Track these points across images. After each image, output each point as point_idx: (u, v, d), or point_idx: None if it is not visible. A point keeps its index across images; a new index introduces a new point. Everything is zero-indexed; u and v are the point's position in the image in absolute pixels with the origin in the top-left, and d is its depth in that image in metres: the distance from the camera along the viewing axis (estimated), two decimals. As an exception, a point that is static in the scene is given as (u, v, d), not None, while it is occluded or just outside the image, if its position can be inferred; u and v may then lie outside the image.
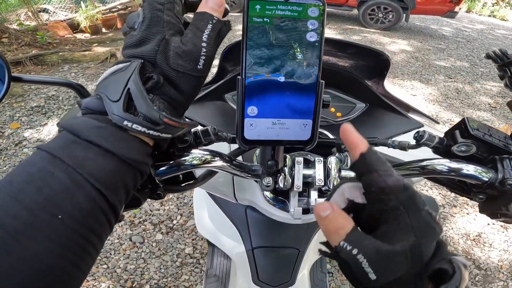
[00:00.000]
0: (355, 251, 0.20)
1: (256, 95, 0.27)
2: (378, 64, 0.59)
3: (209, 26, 0.26)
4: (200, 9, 0.27)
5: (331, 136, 0.49)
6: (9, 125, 2.09)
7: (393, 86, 3.01)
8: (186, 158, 0.33)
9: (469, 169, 0.33)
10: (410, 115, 0.60)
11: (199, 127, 0.33)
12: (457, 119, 2.56)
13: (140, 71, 0.23)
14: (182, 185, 0.37)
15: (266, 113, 0.28)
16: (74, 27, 4.57)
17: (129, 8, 5.46)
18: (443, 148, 0.34)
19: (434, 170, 0.34)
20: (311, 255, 0.58)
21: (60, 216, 0.18)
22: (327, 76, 0.61)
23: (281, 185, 0.36)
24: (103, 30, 4.81)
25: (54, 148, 0.21)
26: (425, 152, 0.36)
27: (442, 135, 0.36)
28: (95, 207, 0.20)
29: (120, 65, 0.24)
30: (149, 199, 0.33)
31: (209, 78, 0.67)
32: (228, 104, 0.63)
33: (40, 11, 4.85)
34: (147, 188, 0.33)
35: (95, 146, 0.21)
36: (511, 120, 2.64)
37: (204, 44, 0.25)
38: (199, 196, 0.74)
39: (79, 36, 4.47)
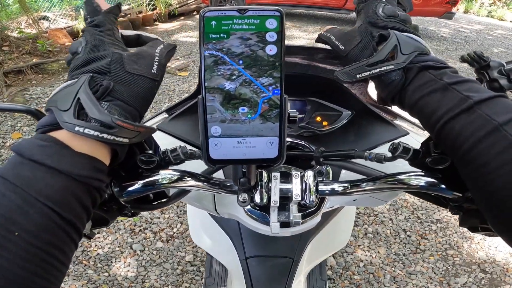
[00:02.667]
0: (328, 34, 0.38)
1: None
2: None
3: (161, 46, 0.30)
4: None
5: (313, 148, 0.48)
6: (11, 135, 2.11)
7: None
8: (155, 178, 0.32)
9: (443, 184, 0.32)
10: (397, 122, 0.59)
11: (169, 148, 0.33)
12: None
13: (89, 83, 0.24)
14: (154, 203, 0.37)
15: (229, 133, 0.27)
16: (75, 34, 4.61)
17: (129, 16, 5.49)
18: (419, 161, 0.33)
19: (410, 184, 0.33)
20: (306, 264, 0.58)
21: (16, 233, 0.19)
22: (311, 85, 0.61)
23: (257, 200, 0.35)
24: (103, 37, 4.91)
25: (4, 170, 0.22)
26: (405, 163, 0.35)
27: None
28: (50, 223, 0.21)
29: (70, 81, 0.25)
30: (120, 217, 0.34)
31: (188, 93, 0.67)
32: None
33: (40, 19, 4.86)
34: (112, 208, 0.33)
35: (40, 165, 0.21)
36: None
37: (157, 53, 0.29)
38: (192, 209, 0.75)
39: (80, 43, 4.57)
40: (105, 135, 0.23)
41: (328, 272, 1.36)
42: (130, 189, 0.31)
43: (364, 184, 0.36)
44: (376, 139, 0.50)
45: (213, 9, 0.26)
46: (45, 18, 5.13)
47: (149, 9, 5.75)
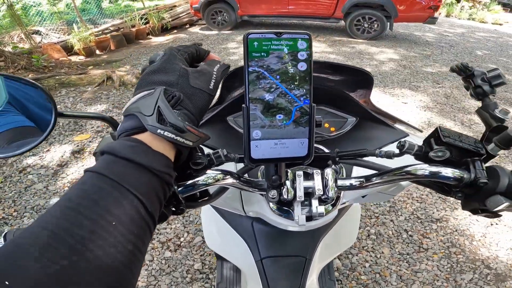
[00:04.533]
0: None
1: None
2: (363, 81, 0.65)
3: (218, 65, 0.34)
4: (209, 58, 0.37)
5: (326, 150, 0.53)
6: (12, 152, 2.10)
7: (385, 95, 3.11)
8: (201, 177, 0.36)
9: (446, 171, 0.37)
10: (397, 125, 0.65)
11: (211, 150, 0.38)
12: (448, 124, 2.66)
13: (164, 93, 0.28)
14: (199, 201, 0.41)
15: (267, 136, 0.32)
16: (68, 49, 4.59)
17: (122, 30, 5.50)
18: (422, 154, 0.38)
19: (416, 174, 0.38)
20: (317, 262, 0.61)
21: (114, 223, 0.21)
22: (320, 94, 0.67)
23: (285, 196, 0.40)
24: (97, 52, 4.85)
25: (99, 168, 0.24)
26: (409, 159, 0.41)
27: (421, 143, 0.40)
28: (137, 215, 0.23)
29: (146, 92, 0.29)
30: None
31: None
32: (230, 125, 0.66)
33: (32, 33, 4.82)
34: (171, 204, 0.36)
35: (131, 162, 0.25)
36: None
37: (214, 71, 0.33)
38: (206, 213, 0.77)
39: (74, 58, 4.50)
40: (178, 138, 0.27)
41: (335, 273, 1.38)
42: (183, 187, 0.35)
43: (377, 177, 0.41)
44: (380, 140, 0.55)
45: (256, 32, 0.30)
46: (37, 32, 5.10)
47: (142, 23, 5.79)
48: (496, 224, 1.67)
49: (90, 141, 2.27)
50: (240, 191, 0.51)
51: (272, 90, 0.31)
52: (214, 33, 6.04)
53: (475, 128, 2.61)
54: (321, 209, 0.41)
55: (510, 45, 6.73)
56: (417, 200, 1.81)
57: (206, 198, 0.41)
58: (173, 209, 0.37)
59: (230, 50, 4.73)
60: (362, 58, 4.40)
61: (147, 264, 1.40)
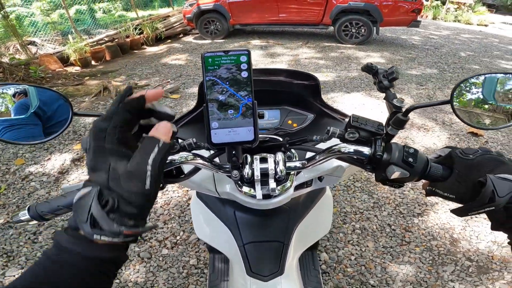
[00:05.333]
0: (436, 189, 0.42)
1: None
2: (313, 84, 0.78)
3: (155, 149, 0.30)
4: (150, 134, 0.31)
5: (280, 139, 0.62)
6: (14, 161, 2.19)
7: (370, 98, 3.24)
8: (176, 157, 0.46)
9: (355, 148, 0.46)
10: (346, 119, 0.75)
11: (185, 141, 0.47)
12: (430, 124, 2.79)
13: (99, 196, 0.28)
14: (176, 178, 0.51)
15: (223, 125, 0.41)
16: (64, 60, 4.65)
17: (116, 40, 5.54)
18: (342, 137, 0.48)
19: (339, 151, 0.47)
20: (295, 247, 0.68)
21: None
22: (283, 97, 0.82)
23: (245, 175, 0.49)
24: (92, 62, 4.89)
25: (50, 253, 0.29)
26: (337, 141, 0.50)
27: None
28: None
29: (84, 191, 0.29)
30: None
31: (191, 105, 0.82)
32: None
33: (27, 44, 4.84)
34: None
35: (74, 253, 0.28)
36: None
37: (149, 167, 0.29)
38: (194, 205, 0.85)
39: (70, 69, 4.56)
40: (115, 239, 0.29)
41: (322, 266, 1.47)
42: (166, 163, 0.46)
43: (316, 157, 0.50)
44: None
45: (210, 51, 0.40)
46: (32, 43, 5.11)
47: (137, 33, 5.86)
48: (476, 217, 1.73)
49: None
50: (213, 175, 0.61)
51: (224, 92, 0.41)
52: (207, 42, 6.16)
53: (455, 127, 2.74)
54: (274, 185, 0.49)
55: (494, 46, 6.92)
56: (399, 196, 1.91)
57: (182, 176, 0.52)
58: None
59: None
60: (350, 63, 4.53)
61: (145, 262, 1.49)
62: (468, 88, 0.47)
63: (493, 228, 0.39)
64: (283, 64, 4.41)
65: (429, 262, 1.49)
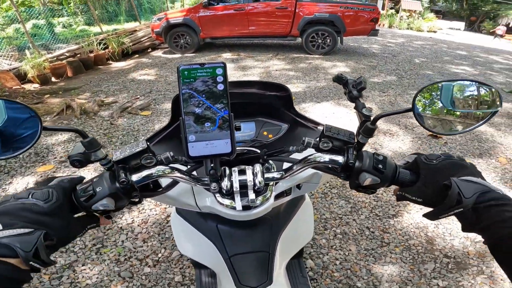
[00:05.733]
0: (406, 194, 0.44)
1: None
2: (285, 95, 0.79)
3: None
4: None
5: (258, 151, 0.62)
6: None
7: (339, 108, 3.40)
8: (153, 170, 0.45)
9: (330, 157, 0.47)
10: (320, 127, 0.78)
11: (162, 155, 0.46)
12: (394, 128, 2.98)
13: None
14: (153, 192, 0.50)
15: (200, 138, 0.41)
16: (21, 77, 4.32)
17: (78, 55, 5.27)
18: (317, 147, 0.49)
19: (314, 160, 0.48)
20: (281, 256, 0.68)
21: None
22: (257, 109, 0.82)
23: (224, 187, 0.48)
24: (53, 79, 4.61)
25: None
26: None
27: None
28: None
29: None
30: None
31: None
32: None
33: None
34: (129, 196, 0.44)
35: None
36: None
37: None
38: (175, 222, 0.83)
39: (28, 86, 4.26)
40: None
41: (309, 273, 1.48)
42: (138, 178, 0.45)
43: (293, 167, 0.51)
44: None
45: (185, 64, 0.40)
46: None
47: (101, 48, 5.62)
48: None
49: (54, 171, 2.22)
50: (192, 189, 0.60)
51: (200, 105, 0.41)
52: (177, 56, 6.08)
53: (417, 130, 2.98)
54: (253, 196, 0.49)
55: (443, 51, 7.67)
56: (374, 200, 2.01)
57: (159, 189, 0.51)
58: (131, 198, 0.46)
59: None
60: (318, 73, 4.74)
61: (127, 281, 1.42)
62: (427, 96, 0.49)
63: (464, 229, 0.40)
64: (255, 77, 4.49)
65: (410, 261, 1.55)
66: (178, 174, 0.48)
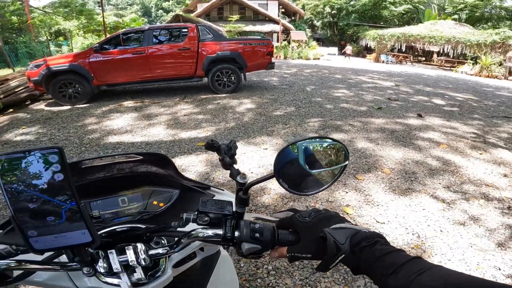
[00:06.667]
0: (292, 254, 0.45)
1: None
2: (164, 159, 0.76)
3: None
4: None
5: (142, 226, 0.61)
6: None
7: (249, 146, 3.56)
8: None
9: (209, 232, 0.48)
10: (212, 189, 0.79)
11: (2, 250, 0.41)
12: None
13: None
14: (1, 282, 0.44)
15: (45, 233, 0.36)
16: None
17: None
18: (197, 221, 0.48)
19: (197, 236, 0.48)
20: None
21: None
22: (142, 179, 0.77)
23: (102, 269, 0.45)
24: None
25: None
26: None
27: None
28: None
29: None
30: None
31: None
32: None
33: None
34: None
35: None
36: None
37: None
38: None
39: None
40: None
41: None
42: None
43: (180, 241, 0.50)
44: (197, 205, 0.63)
45: (4, 154, 0.34)
46: None
47: None
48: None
49: None
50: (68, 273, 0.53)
51: (35, 200, 0.35)
52: (66, 109, 5.30)
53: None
54: (140, 275, 0.48)
55: (326, 77, 9.17)
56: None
57: (8, 280, 0.45)
58: None
59: (89, 127, 4.28)
60: (226, 113, 4.90)
61: None
62: (287, 158, 0.48)
63: (355, 273, 0.42)
64: (162, 125, 4.32)
65: (342, 282, 1.62)
66: (32, 266, 0.41)
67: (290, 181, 0.49)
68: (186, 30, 5.96)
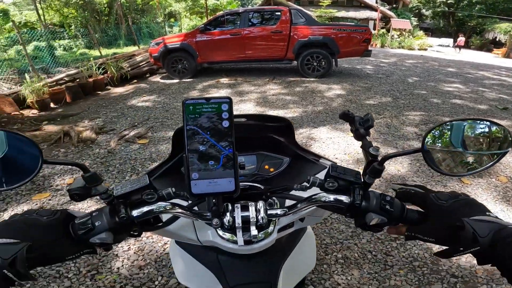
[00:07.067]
0: (416, 235, 0.44)
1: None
2: (286, 126, 0.79)
3: None
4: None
5: (261, 187, 0.63)
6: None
7: (336, 132, 3.42)
8: (154, 206, 0.45)
9: (335, 197, 0.47)
10: (321, 160, 0.79)
11: (164, 191, 0.46)
12: (391, 151, 3.02)
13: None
14: (154, 226, 0.50)
15: (203, 177, 0.41)
16: (20, 102, 4.31)
17: (78, 80, 5.31)
18: (322, 186, 0.49)
19: (320, 200, 0.48)
20: (283, 286, 0.67)
21: None
22: (258, 142, 0.83)
23: (226, 223, 0.48)
24: (51, 105, 4.62)
25: None
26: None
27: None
28: None
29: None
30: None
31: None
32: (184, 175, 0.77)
33: None
34: (129, 229, 0.44)
35: None
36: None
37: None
38: (174, 252, 0.81)
39: (26, 112, 4.27)
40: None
41: None
42: (137, 214, 0.45)
43: (296, 206, 0.50)
44: (308, 173, 0.64)
45: (190, 98, 0.40)
46: None
47: (100, 73, 5.67)
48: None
49: (49, 199, 2.20)
50: (193, 223, 0.59)
51: (205, 143, 0.40)
52: (175, 82, 6.15)
53: (414, 155, 2.99)
54: (255, 232, 0.49)
55: (435, 69, 7.87)
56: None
57: (160, 224, 0.51)
58: (131, 232, 0.46)
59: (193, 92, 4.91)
60: (314, 97, 4.80)
61: None
62: (437, 136, 0.48)
63: (480, 263, 0.40)
64: (252, 102, 4.54)
65: (415, 283, 1.51)
66: (180, 210, 0.48)
67: (437, 159, 0.48)
68: (279, 13, 6.04)
